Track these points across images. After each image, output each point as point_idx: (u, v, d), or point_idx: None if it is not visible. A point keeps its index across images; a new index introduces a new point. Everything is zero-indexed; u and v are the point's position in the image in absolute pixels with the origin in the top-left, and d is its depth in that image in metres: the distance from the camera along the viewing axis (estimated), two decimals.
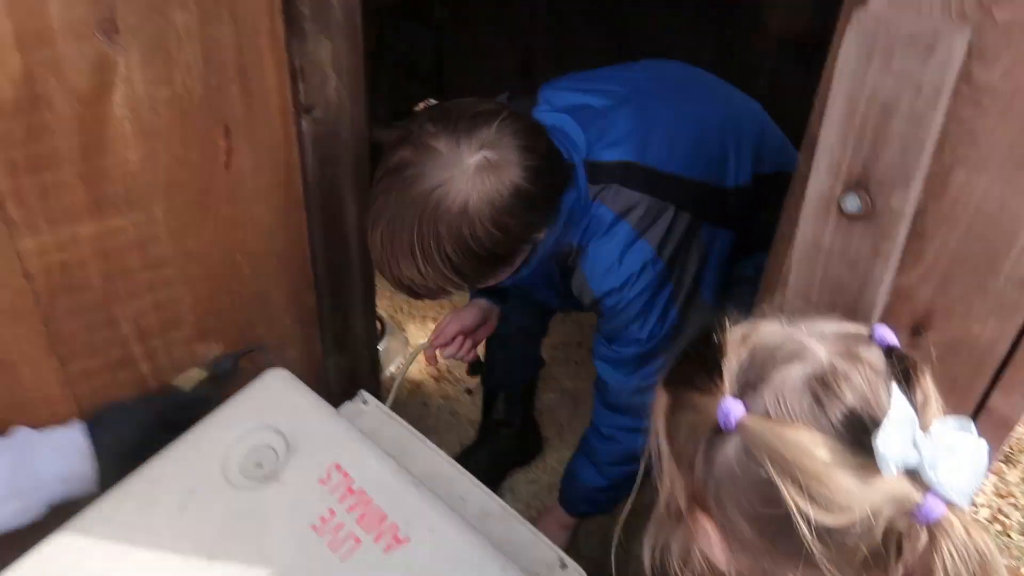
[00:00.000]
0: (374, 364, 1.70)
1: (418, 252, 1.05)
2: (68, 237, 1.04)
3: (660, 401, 0.67)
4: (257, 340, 1.34)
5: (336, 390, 1.54)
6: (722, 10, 2.47)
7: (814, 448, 0.54)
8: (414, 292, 1.13)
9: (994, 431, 0.76)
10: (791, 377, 0.58)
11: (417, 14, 2.68)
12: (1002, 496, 2.08)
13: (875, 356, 0.60)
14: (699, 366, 0.61)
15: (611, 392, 1.38)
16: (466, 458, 1.95)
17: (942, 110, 0.63)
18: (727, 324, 0.62)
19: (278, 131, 1.16)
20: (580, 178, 1.20)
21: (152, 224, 1.11)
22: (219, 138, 1.10)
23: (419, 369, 2.18)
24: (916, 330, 0.75)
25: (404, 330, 2.26)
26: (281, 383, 1.19)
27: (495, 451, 1.94)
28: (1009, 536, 1.98)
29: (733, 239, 1.33)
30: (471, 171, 1.03)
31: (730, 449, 0.58)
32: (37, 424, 1.09)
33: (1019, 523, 2.01)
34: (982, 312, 0.71)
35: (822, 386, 0.57)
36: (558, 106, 1.28)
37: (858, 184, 0.68)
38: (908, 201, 0.67)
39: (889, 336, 0.62)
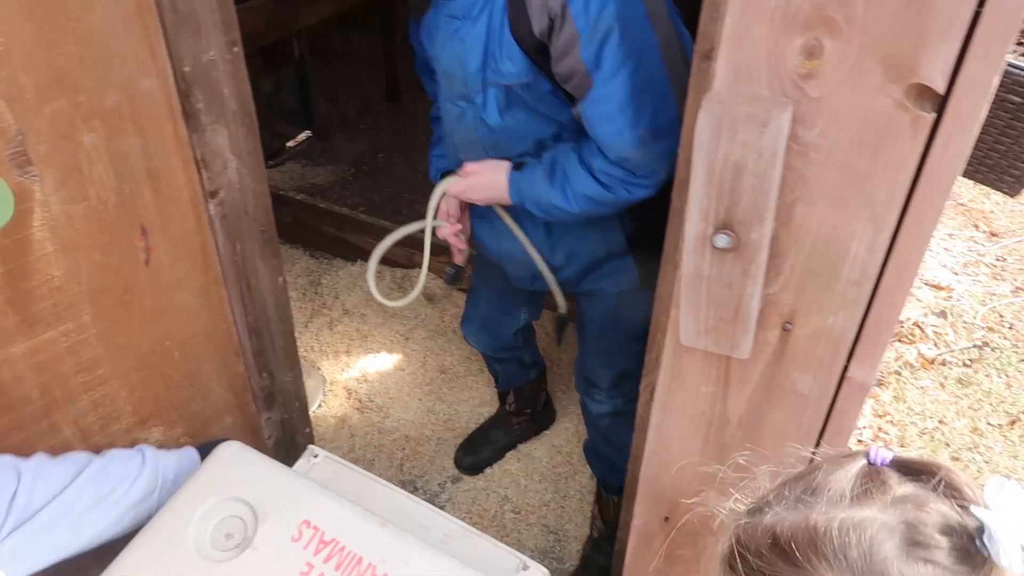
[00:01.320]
0: (304, 409, 1.77)
1: None
2: (2, 358, 1.06)
3: None
4: (196, 415, 1.39)
5: (274, 442, 1.61)
6: None
7: None
8: None
9: (855, 395, 0.95)
10: (889, 558, 0.58)
11: (278, 53, 2.69)
12: (880, 416, 2.39)
13: (905, 487, 0.62)
14: None
15: (611, 149, 1.22)
16: (484, 436, 2.15)
17: (779, 165, 0.79)
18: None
19: (190, 220, 1.21)
20: None
21: (81, 330, 1.14)
22: (137, 239, 1.14)
23: (340, 403, 2.24)
24: (785, 327, 0.93)
25: (319, 368, 2.32)
26: (234, 454, 1.25)
27: (510, 433, 2.16)
28: (891, 450, 2.29)
29: None
30: None
31: None
32: None
33: (897, 437, 2.32)
34: (832, 308, 0.89)
35: (916, 546, 0.59)
36: None
37: (724, 225, 0.84)
38: (764, 234, 0.83)
39: (883, 452, 0.65)
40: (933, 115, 0.72)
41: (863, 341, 0.91)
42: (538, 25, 1.15)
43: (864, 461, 0.65)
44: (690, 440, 1.09)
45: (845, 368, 0.94)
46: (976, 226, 3.10)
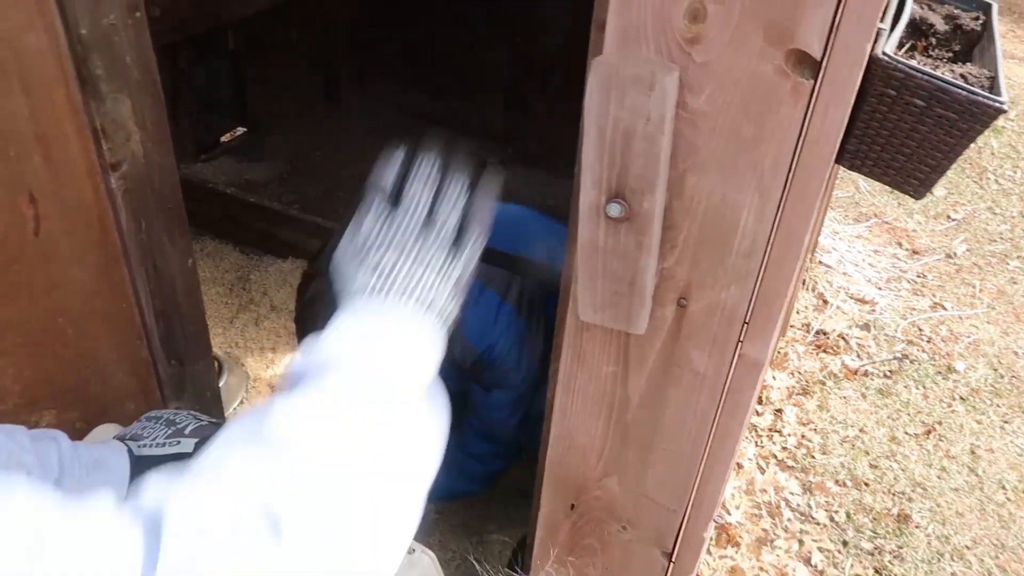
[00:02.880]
0: (216, 398, 1.71)
1: None
2: None
3: None
4: (93, 400, 1.33)
5: None
6: (514, 25, 2.65)
7: None
8: None
9: (749, 372, 0.95)
10: None
11: (212, 46, 2.65)
12: (804, 424, 2.43)
13: None
14: None
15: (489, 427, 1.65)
16: None
17: (668, 131, 0.79)
18: None
19: (87, 192, 1.16)
20: None
21: None
22: (24, 206, 1.09)
23: (263, 400, 2.19)
24: (680, 303, 0.93)
25: (243, 364, 2.26)
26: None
27: None
28: (814, 457, 2.32)
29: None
30: None
31: None
32: None
33: (820, 445, 2.36)
34: (725, 282, 0.89)
35: None
36: None
37: (616, 194, 0.83)
38: (656, 203, 0.83)
39: None
40: (812, 82, 0.74)
41: (755, 317, 0.91)
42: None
43: None
44: (593, 422, 1.08)
45: (738, 345, 0.94)
46: (900, 244, 3.19)
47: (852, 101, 0.74)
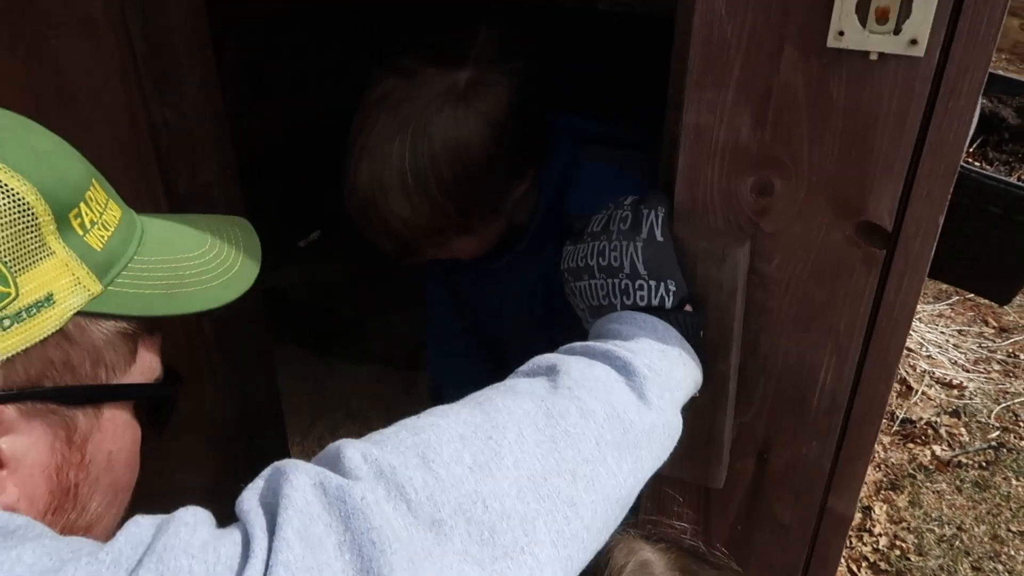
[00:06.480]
0: None
1: (410, 178, 0.95)
2: None
3: None
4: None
5: None
6: None
7: None
8: (402, 241, 1.04)
9: (836, 528, 0.92)
10: None
11: (286, 156, 2.78)
12: (895, 522, 2.31)
13: None
14: None
15: None
16: None
17: (741, 298, 0.80)
18: None
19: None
20: (567, 142, 1.15)
21: None
22: None
23: None
24: (761, 456, 0.91)
25: None
26: None
27: None
28: (909, 559, 2.20)
29: None
30: (462, 89, 0.98)
31: None
32: None
33: (915, 545, 2.24)
34: (806, 437, 0.87)
35: None
36: None
37: None
38: (731, 365, 0.83)
39: None
40: (884, 251, 0.73)
41: (840, 472, 0.89)
42: None
43: None
44: None
45: (824, 500, 0.91)
46: (985, 321, 3.06)
47: (927, 270, 0.73)
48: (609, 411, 0.64)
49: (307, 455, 2.28)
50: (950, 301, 3.17)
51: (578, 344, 0.72)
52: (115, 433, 0.59)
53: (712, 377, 0.85)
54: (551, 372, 0.67)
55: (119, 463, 0.60)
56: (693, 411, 0.88)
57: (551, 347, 0.72)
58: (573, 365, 0.67)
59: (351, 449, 0.55)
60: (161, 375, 0.64)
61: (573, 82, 1.43)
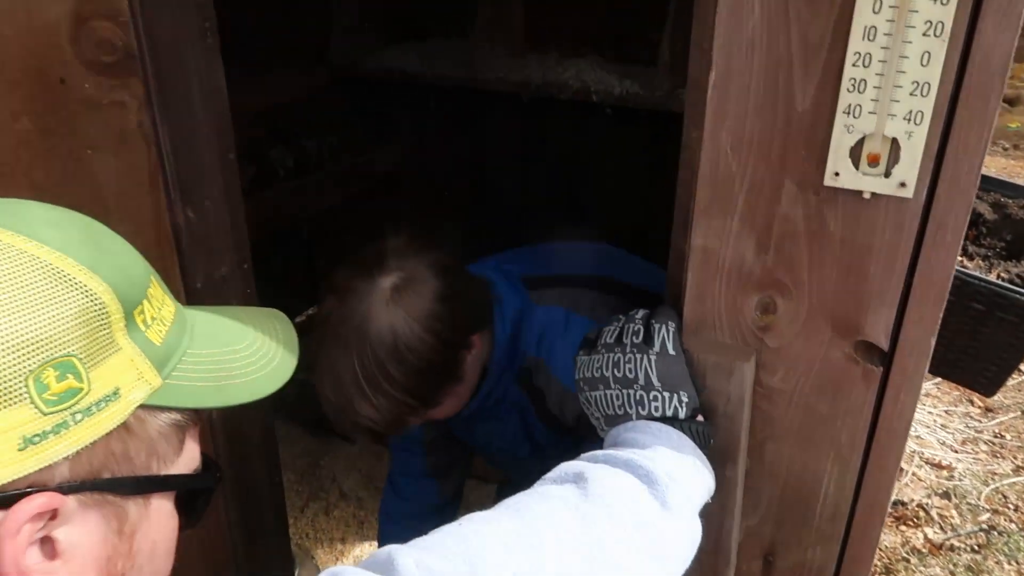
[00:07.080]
0: None
1: (365, 385, 1.06)
2: None
3: None
4: None
5: None
6: None
7: None
8: (376, 433, 1.14)
9: None
10: None
11: (287, 237, 2.81)
12: None
13: None
14: None
15: None
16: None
17: (747, 408, 0.84)
18: None
19: None
20: (518, 290, 1.26)
21: None
22: None
23: None
24: (767, 560, 0.94)
25: (314, 557, 2.27)
26: None
27: None
28: None
29: None
30: (388, 293, 1.08)
31: None
32: None
33: None
34: (810, 542, 0.91)
35: None
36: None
37: None
38: (737, 471, 0.87)
39: None
40: (881, 369, 0.78)
41: (844, 575, 0.92)
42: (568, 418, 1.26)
43: None
44: None
45: None
46: (971, 401, 3.11)
47: (921, 386, 0.78)
48: (637, 520, 0.67)
49: (300, 537, 2.23)
50: (936, 380, 3.22)
51: (600, 452, 0.76)
52: (160, 523, 0.61)
53: (720, 482, 0.88)
54: (579, 480, 0.70)
55: (160, 552, 0.62)
56: (703, 517, 0.91)
57: (545, 471, 0.76)
58: (599, 473, 0.70)
59: (403, 557, 0.57)
60: (200, 466, 0.67)
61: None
